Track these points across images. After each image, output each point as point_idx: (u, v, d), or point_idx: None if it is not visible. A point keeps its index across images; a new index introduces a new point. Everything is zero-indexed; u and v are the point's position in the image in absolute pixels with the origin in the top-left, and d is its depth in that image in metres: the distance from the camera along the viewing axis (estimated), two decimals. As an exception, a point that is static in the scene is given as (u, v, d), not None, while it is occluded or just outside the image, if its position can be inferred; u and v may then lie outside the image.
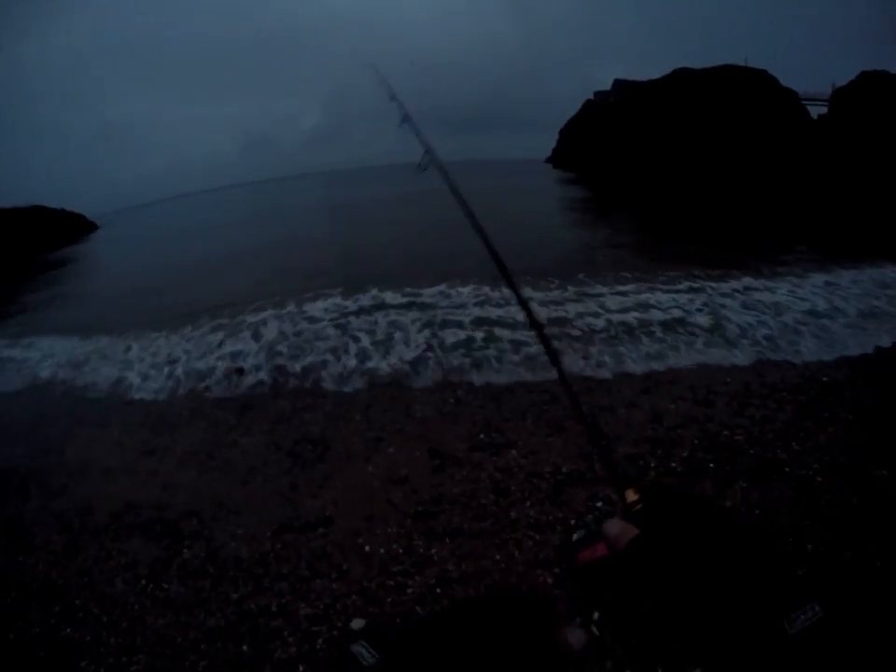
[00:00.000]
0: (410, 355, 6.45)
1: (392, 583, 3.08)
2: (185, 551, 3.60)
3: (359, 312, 8.02)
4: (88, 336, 8.84)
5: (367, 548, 3.40)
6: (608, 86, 49.88)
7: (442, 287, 8.77)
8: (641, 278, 8.93)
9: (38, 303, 13.92)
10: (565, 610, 2.67)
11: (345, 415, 5.33)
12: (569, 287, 8.54)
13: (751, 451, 4.10)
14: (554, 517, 3.48)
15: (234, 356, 7.00)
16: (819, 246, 12.86)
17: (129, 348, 7.93)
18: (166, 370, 6.97)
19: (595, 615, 2.38)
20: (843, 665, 0.59)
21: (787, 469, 3.82)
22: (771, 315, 7.08)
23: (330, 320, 7.75)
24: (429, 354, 6.41)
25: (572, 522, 3.41)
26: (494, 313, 7.43)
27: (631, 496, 0.82)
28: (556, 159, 52.73)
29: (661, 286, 8.47)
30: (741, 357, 6.00)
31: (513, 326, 6.84)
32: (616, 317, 7.15)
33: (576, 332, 6.75)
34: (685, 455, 4.10)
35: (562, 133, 53.23)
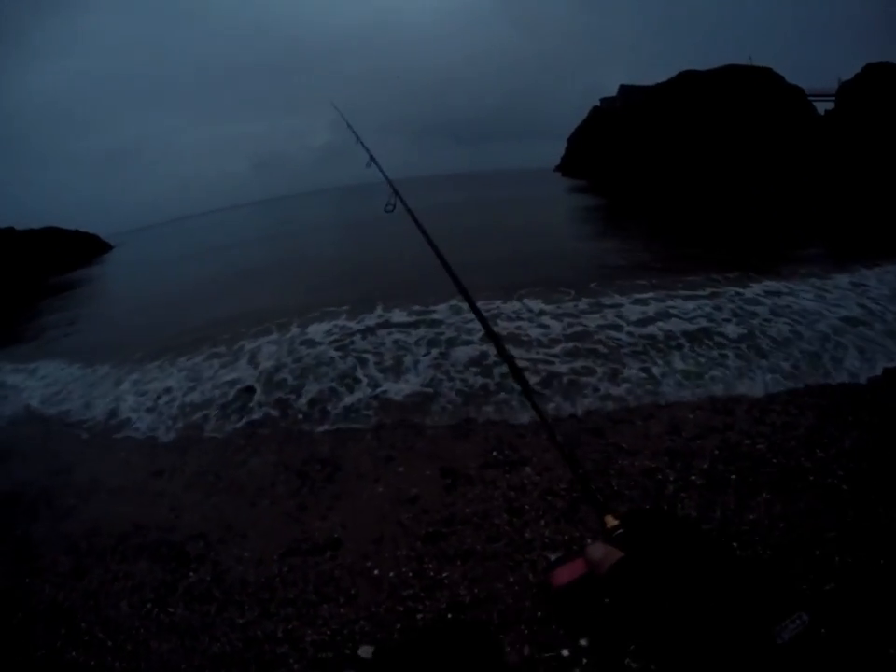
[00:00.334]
0: (419, 374, 6.29)
1: (402, 608, 2.98)
2: (191, 574, 3.54)
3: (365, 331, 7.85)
4: (93, 362, 8.81)
5: (376, 571, 3.30)
6: (613, 92, 49.99)
7: (454, 301, 8.38)
8: (659, 285, 8.64)
9: (46, 326, 14.15)
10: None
11: (355, 434, 5.23)
12: (583, 298, 8.24)
13: (774, 460, 3.94)
14: (570, 536, 3.35)
15: (239, 380, 6.85)
16: (830, 244, 12.55)
17: (133, 372, 7.89)
18: (171, 395, 6.85)
19: (583, 641, 2.27)
20: None
21: (811, 478, 3.67)
22: (806, 325, 6.52)
23: (330, 343, 7.62)
24: (441, 375, 6.19)
25: (588, 541, 3.27)
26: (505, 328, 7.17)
27: (611, 521, 0.82)
28: (565, 167, 52.78)
29: (681, 291, 8.20)
30: (779, 382, 5.31)
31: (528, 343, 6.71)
32: (638, 330, 6.81)
33: (602, 349, 6.36)
34: (705, 466, 3.94)
35: (570, 141, 53.35)
